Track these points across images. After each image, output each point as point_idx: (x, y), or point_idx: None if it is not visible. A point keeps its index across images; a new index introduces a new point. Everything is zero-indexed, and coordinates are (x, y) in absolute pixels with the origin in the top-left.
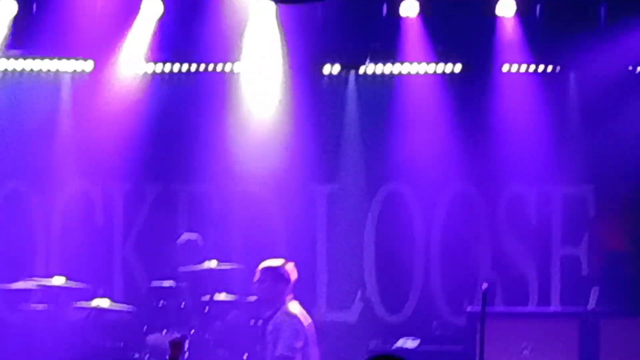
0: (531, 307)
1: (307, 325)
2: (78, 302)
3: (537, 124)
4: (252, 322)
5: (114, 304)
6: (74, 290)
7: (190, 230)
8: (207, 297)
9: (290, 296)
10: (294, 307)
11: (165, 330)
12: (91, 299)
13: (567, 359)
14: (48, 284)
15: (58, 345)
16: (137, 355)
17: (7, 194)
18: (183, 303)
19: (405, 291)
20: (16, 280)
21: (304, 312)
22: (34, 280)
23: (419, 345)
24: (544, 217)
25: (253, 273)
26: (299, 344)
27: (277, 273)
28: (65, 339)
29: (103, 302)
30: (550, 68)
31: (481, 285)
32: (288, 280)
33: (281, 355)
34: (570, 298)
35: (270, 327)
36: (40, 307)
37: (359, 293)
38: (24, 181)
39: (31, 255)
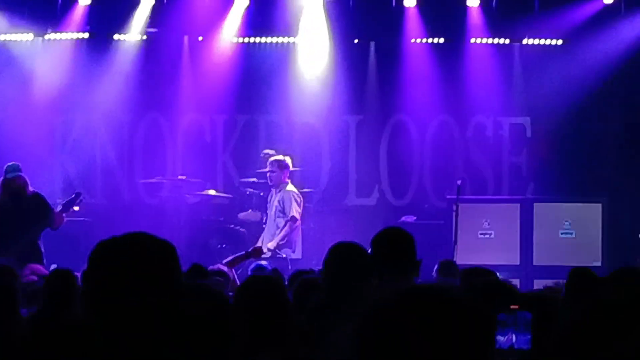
0: (488, 196)
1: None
2: (194, 192)
3: (494, 77)
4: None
5: (218, 192)
6: (191, 184)
7: (267, 147)
8: None
9: (289, 179)
10: (292, 187)
11: (250, 210)
12: (203, 189)
13: (512, 230)
14: (174, 179)
15: (181, 220)
16: (231, 225)
17: (148, 121)
18: (262, 192)
19: (406, 185)
20: (154, 177)
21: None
22: (165, 177)
23: (416, 220)
24: (497, 137)
25: (308, 173)
26: (301, 209)
27: (280, 163)
28: (186, 215)
29: (211, 192)
30: (502, 41)
31: (456, 181)
32: (288, 167)
33: (292, 217)
34: (514, 189)
35: (278, 198)
36: (169, 194)
37: (376, 186)
38: (159, 112)
39: (163, 161)
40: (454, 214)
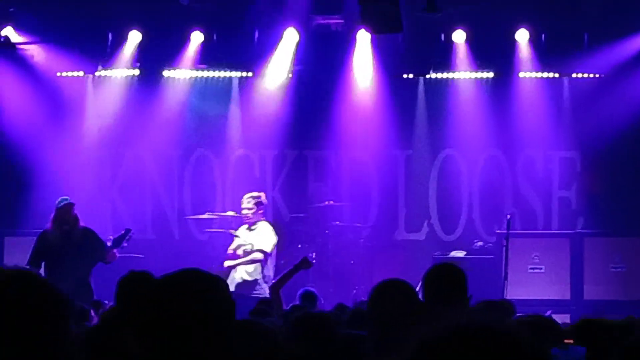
0: (538, 230)
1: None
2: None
3: (543, 111)
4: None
5: None
6: (239, 219)
7: (316, 182)
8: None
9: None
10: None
11: (299, 245)
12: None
13: (562, 264)
14: (224, 215)
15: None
16: (282, 262)
17: (197, 157)
18: (311, 228)
19: (456, 219)
20: (203, 212)
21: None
22: (214, 213)
23: (465, 255)
24: (547, 171)
25: (357, 207)
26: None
27: (257, 199)
28: None
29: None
30: (551, 75)
31: (506, 215)
32: (264, 204)
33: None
34: (564, 224)
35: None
36: (219, 230)
37: (426, 221)
38: (208, 148)
39: (213, 197)
40: (503, 248)
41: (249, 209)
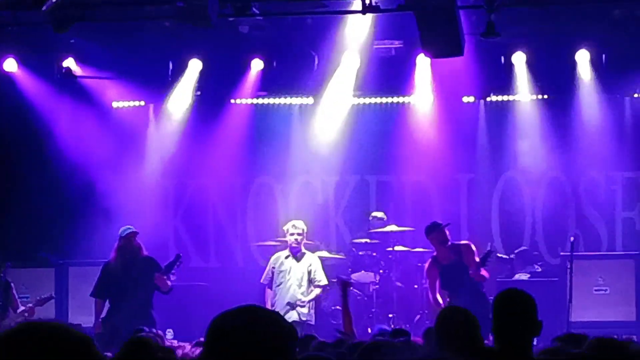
0: (602, 252)
1: None
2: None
3: (605, 131)
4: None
5: (331, 253)
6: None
7: (378, 208)
8: (390, 249)
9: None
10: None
11: (362, 271)
12: (314, 250)
13: (627, 286)
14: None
15: None
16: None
17: (259, 184)
18: (374, 253)
19: (519, 242)
20: (267, 239)
21: None
22: (278, 239)
23: (529, 277)
24: (610, 192)
25: (420, 232)
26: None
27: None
28: None
29: (323, 253)
30: (612, 95)
31: (570, 237)
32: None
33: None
34: (629, 245)
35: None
36: None
37: (489, 245)
38: (269, 176)
39: (276, 223)
40: (568, 270)
41: (299, 234)
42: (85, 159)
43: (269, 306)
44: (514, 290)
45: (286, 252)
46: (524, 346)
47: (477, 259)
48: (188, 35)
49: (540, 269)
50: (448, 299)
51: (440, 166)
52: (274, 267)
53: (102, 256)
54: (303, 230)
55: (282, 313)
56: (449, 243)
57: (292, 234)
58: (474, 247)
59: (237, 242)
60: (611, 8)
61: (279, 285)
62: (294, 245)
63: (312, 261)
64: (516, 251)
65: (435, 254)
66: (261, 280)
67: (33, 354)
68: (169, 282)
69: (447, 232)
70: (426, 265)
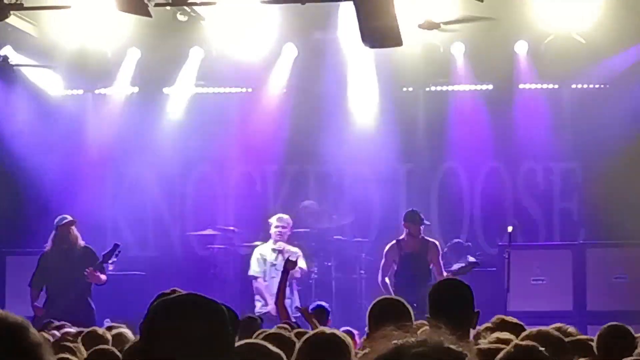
0: (540, 242)
1: None
2: (244, 243)
3: (543, 122)
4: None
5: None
6: (241, 235)
7: (317, 197)
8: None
9: None
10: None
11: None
12: (253, 240)
13: (564, 276)
14: (226, 230)
15: (233, 270)
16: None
17: (198, 173)
18: (313, 243)
19: (457, 232)
20: (206, 229)
21: None
22: (216, 229)
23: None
24: (548, 183)
25: (359, 222)
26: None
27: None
28: (238, 266)
29: (259, 243)
30: (550, 86)
31: (508, 227)
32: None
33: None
34: (566, 235)
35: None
36: (221, 246)
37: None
38: (209, 166)
39: (214, 213)
40: (506, 260)
41: (284, 227)
42: (23, 147)
43: (267, 297)
44: (451, 279)
45: (269, 244)
46: (461, 336)
47: (441, 261)
48: (125, 26)
49: (474, 260)
50: (393, 288)
51: (379, 156)
52: (264, 259)
53: (40, 245)
54: (288, 224)
55: None
56: (420, 236)
57: (277, 227)
58: (440, 249)
59: (175, 231)
60: None
61: (274, 277)
62: (277, 238)
63: (295, 253)
64: (449, 244)
65: (401, 238)
66: (249, 273)
67: None
68: (102, 277)
69: (422, 229)
70: (387, 246)
